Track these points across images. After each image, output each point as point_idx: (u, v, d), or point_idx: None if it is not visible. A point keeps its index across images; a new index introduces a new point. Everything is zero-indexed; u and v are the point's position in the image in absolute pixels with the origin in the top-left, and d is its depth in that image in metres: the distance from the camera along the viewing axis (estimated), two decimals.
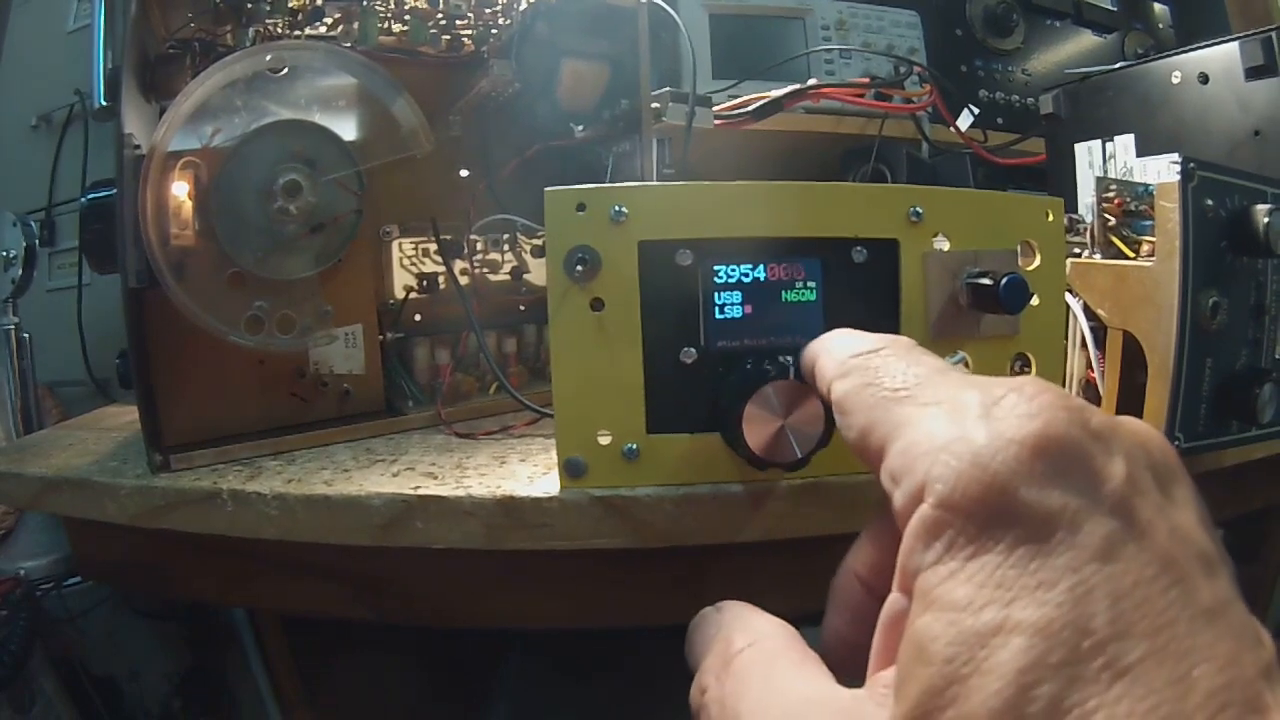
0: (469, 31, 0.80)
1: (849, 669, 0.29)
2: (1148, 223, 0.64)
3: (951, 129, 1.15)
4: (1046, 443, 0.23)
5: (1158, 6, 1.59)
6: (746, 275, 0.51)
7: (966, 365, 0.56)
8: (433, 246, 0.80)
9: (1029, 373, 0.58)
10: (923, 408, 0.27)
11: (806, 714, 0.27)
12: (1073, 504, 0.23)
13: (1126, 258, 0.64)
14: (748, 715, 0.29)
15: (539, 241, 0.85)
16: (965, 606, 0.22)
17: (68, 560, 1.06)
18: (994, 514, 0.23)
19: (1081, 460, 0.24)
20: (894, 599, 0.27)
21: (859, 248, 0.53)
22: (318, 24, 0.74)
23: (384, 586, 0.67)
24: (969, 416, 0.25)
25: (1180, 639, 0.21)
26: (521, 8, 0.79)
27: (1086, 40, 1.48)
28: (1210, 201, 0.57)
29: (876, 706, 0.26)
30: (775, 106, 0.96)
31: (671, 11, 0.78)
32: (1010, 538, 0.22)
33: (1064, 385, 0.66)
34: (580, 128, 0.82)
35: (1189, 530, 0.24)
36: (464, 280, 0.80)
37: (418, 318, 0.80)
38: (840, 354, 0.33)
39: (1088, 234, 0.67)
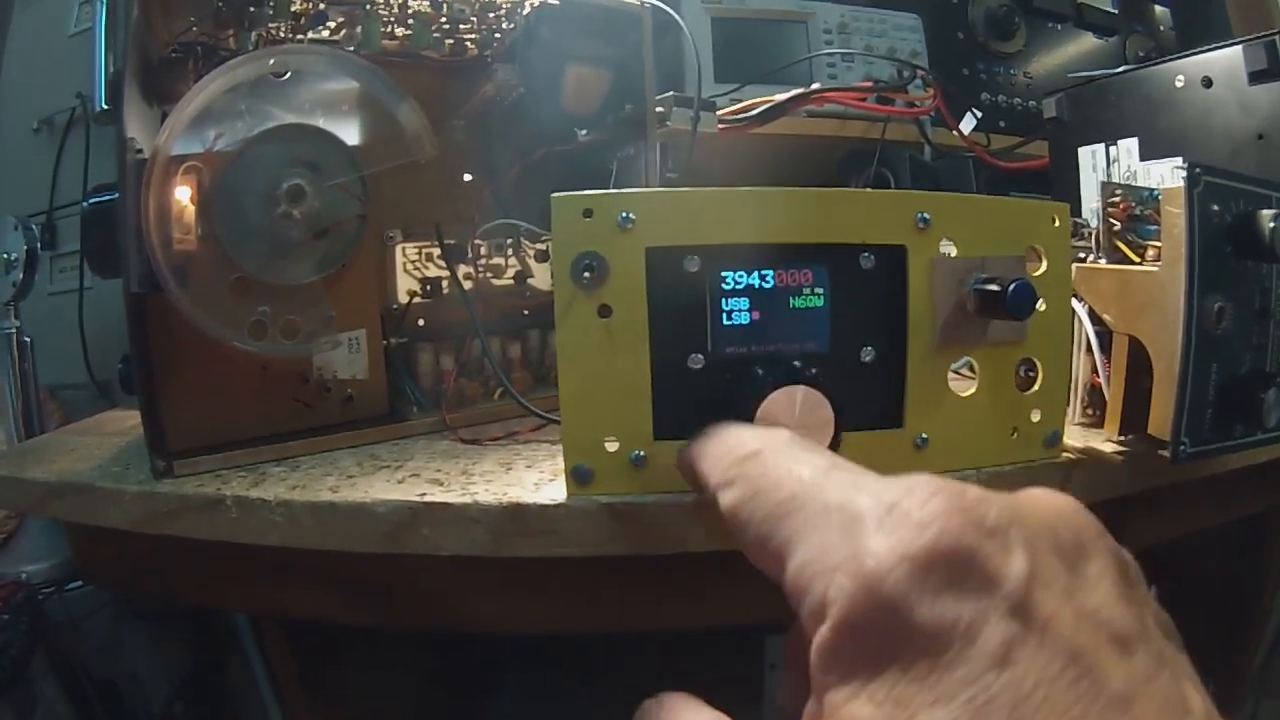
0: (472, 36, 0.80)
1: None
2: (1153, 227, 0.64)
3: (954, 132, 1.15)
4: (938, 554, 0.23)
5: (1159, 9, 1.59)
6: (754, 281, 0.51)
7: (972, 370, 0.57)
8: (436, 251, 0.80)
9: (1035, 377, 0.58)
10: (813, 520, 0.26)
11: None
12: (967, 612, 0.23)
13: (1132, 262, 0.64)
14: None
15: (543, 246, 0.84)
16: None
17: (69, 564, 1.06)
18: (889, 633, 0.23)
19: (975, 566, 0.23)
20: (810, 708, 0.27)
21: (866, 254, 0.53)
22: (320, 28, 0.74)
23: (388, 592, 0.67)
24: (861, 530, 0.25)
25: None
26: (525, 12, 0.78)
27: (1088, 43, 1.49)
28: (1216, 206, 0.57)
29: None
30: (779, 110, 0.96)
31: (675, 15, 0.78)
32: (907, 655, 0.23)
33: (1070, 390, 0.66)
34: (584, 132, 0.82)
35: (1101, 611, 0.24)
36: (468, 285, 0.80)
37: (421, 322, 0.80)
38: (720, 461, 0.32)
39: (1093, 239, 0.67)
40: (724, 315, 0.51)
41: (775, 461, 0.30)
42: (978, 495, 0.25)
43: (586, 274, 0.50)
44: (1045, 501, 0.26)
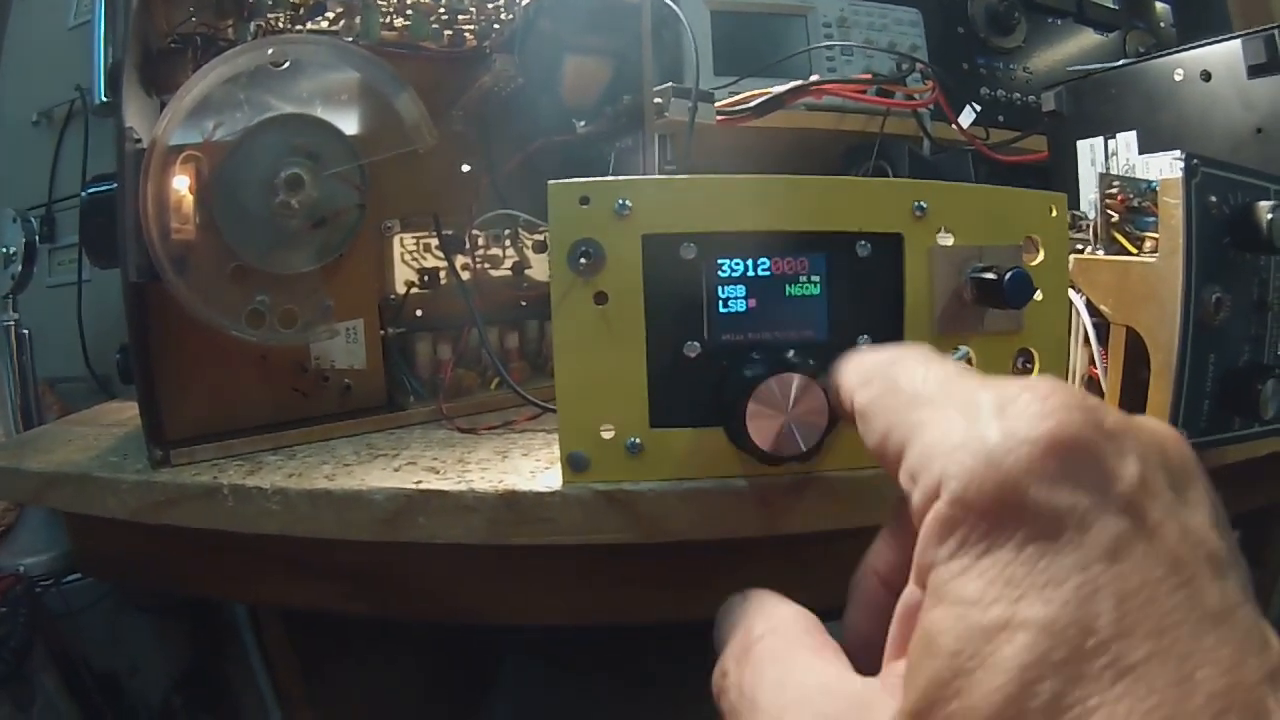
0: (471, 26, 0.80)
1: (868, 661, 0.29)
2: (1150, 219, 0.64)
3: (953, 126, 1.15)
4: (1058, 442, 0.23)
5: (1159, 5, 1.59)
6: (750, 269, 0.51)
7: (970, 361, 0.56)
8: (434, 241, 0.80)
9: (1032, 369, 0.58)
10: (939, 409, 0.27)
11: (820, 700, 0.28)
12: (1083, 503, 0.23)
13: (1129, 254, 0.64)
14: (764, 701, 0.29)
15: (540, 237, 0.85)
16: (975, 602, 0.22)
17: (68, 557, 1.06)
18: (1005, 512, 0.23)
19: (1093, 460, 0.23)
20: (909, 592, 0.27)
21: (863, 242, 0.53)
22: (319, 18, 0.74)
23: (385, 582, 0.67)
24: (984, 416, 0.25)
25: (1185, 641, 0.21)
26: (524, 3, 0.78)
27: (1088, 38, 1.49)
28: (1214, 198, 0.57)
29: (888, 695, 0.26)
30: (777, 103, 0.96)
31: (674, 7, 0.78)
32: (1020, 535, 0.23)
33: (1067, 381, 0.66)
34: (582, 123, 0.82)
35: (1200, 531, 0.24)
36: (465, 275, 0.80)
37: (419, 313, 0.80)
38: (860, 365, 0.33)
39: (1090, 230, 0.67)
40: (720, 303, 0.51)
41: (912, 365, 0.30)
42: (1097, 400, 0.25)
43: (583, 261, 0.50)
44: (1155, 424, 0.27)
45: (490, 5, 0.79)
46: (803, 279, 0.52)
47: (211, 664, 1.19)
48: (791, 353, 0.49)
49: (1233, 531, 0.26)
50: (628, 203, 0.50)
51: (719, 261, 0.51)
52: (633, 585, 0.64)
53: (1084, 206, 0.72)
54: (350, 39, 0.73)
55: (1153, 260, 0.59)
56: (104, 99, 1.22)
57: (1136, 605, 0.21)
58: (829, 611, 0.33)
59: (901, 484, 0.27)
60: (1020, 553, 0.22)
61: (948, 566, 0.23)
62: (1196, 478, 0.26)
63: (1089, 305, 0.64)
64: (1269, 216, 0.56)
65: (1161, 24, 1.58)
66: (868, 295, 0.54)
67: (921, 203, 0.53)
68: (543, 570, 0.63)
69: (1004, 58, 1.39)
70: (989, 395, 0.25)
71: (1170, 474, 0.25)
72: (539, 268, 0.86)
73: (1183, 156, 0.55)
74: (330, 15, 0.74)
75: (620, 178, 0.53)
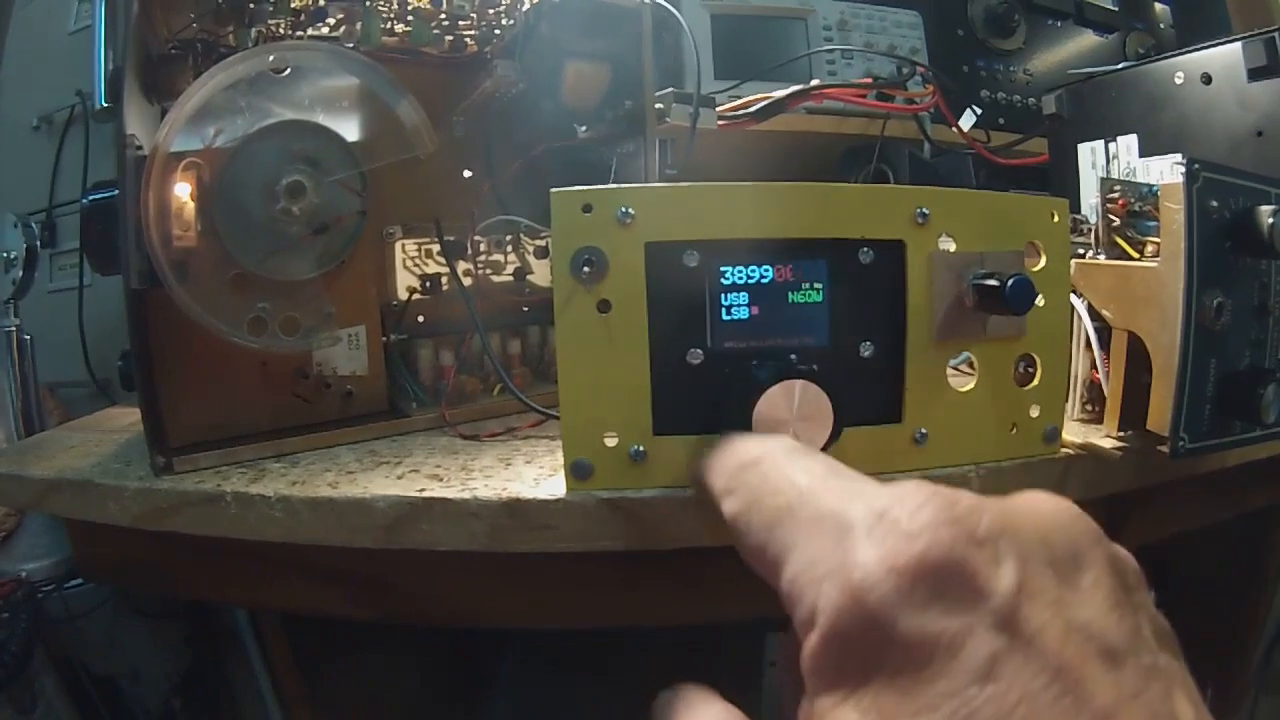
0: (472, 32, 0.80)
1: None
2: (1152, 223, 0.64)
3: (953, 129, 1.15)
4: (926, 566, 0.23)
5: (1159, 6, 1.59)
6: (753, 276, 0.51)
7: (971, 366, 0.57)
8: (436, 247, 0.80)
9: (1034, 374, 0.59)
10: (807, 528, 0.27)
11: None
12: (952, 626, 0.23)
13: (1130, 258, 0.64)
14: None
15: (542, 242, 0.85)
16: None
17: (69, 562, 1.06)
18: (875, 645, 0.23)
19: (963, 578, 0.23)
20: (803, 709, 0.27)
21: (865, 249, 0.53)
22: (320, 24, 0.74)
23: (387, 587, 0.67)
24: (851, 539, 0.25)
25: None
26: (524, 8, 0.78)
27: (1088, 40, 1.49)
28: (1215, 202, 0.57)
29: None
30: (778, 107, 0.96)
31: (675, 12, 0.77)
32: (892, 666, 0.23)
33: (1069, 386, 0.66)
34: (583, 128, 0.82)
35: (1091, 624, 0.24)
36: (467, 281, 0.80)
37: (421, 319, 0.80)
38: (723, 470, 0.33)
39: (1092, 235, 0.67)
40: (723, 310, 0.51)
41: (774, 470, 0.30)
42: (970, 504, 0.25)
43: (586, 269, 0.50)
44: (1041, 507, 0.26)
45: (491, 11, 0.79)
46: (805, 286, 0.52)
47: (212, 668, 1.19)
48: (794, 359, 0.50)
49: (1146, 597, 0.26)
50: (630, 211, 0.50)
51: (722, 269, 0.51)
52: (635, 590, 0.64)
53: (1085, 210, 0.72)
54: (351, 45, 0.73)
55: (1154, 265, 0.59)
56: (105, 104, 1.22)
57: None
58: None
59: (783, 603, 0.27)
60: (892, 683, 0.22)
61: (827, 697, 0.24)
62: (1090, 558, 0.25)
63: (1091, 310, 0.64)
64: (1270, 221, 0.56)
65: (1161, 25, 1.59)
66: (870, 302, 0.54)
67: (923, 209, 0.53)
68: (545, 575, 0.63)
69: (1004, 60, 1.39)
70: (858, 511, 0.25)
71: (1057, 565, 0.25)
72: (541, 273, 0.86)
73: (1184, 161, 0.55)
74: (331, 21, 0.74)
75: (622, 185, 0.53)
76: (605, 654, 1.26)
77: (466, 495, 0.54)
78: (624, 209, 0.50)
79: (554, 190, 0.51)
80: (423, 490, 0.56)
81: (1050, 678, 0.22)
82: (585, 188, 0.51)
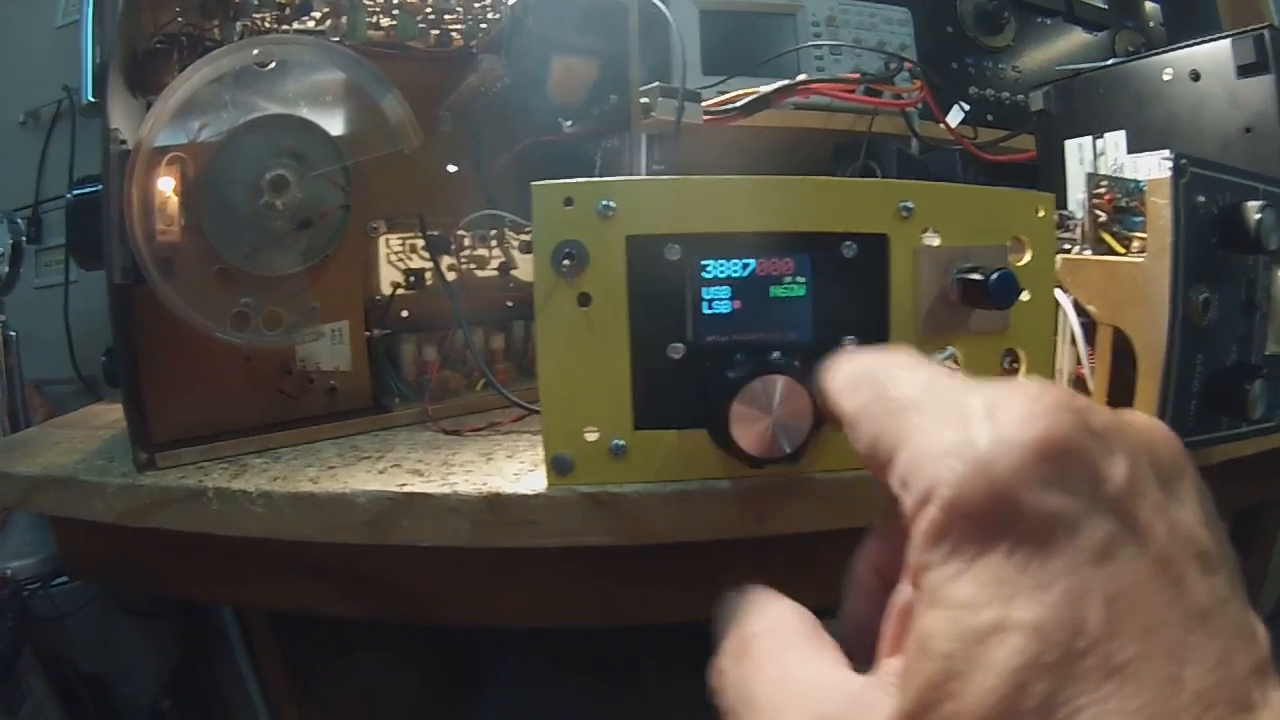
0: (458, 26, 0.80)
1: (864, 652, 0.29)
2: (1138, 219, 0.64)
3: (941, 125, 1.15)
4: (1047, 446, 0.23)
5: (1149, 4, 1.59)
6: (735, 270, 0.51)
7: (956, 361, 0.56)
8: (420, 242, 0.80)
9: (1018, 369, 0.58)
10: (928, 415, 0.27)
11: (818, 698, 0.28)
12: (1072, 506, 0.23)
13: (1117, 254, 0.64)
14: (762, 698, 0.29)
15: (527, 237, 0.84)
16: (967, 605, 0.23)
17: (55, 560, 1.06)
18: (996, 517, 0.23)
19: (1082, 462, 0.24)
20: (903, 589, 0.28)
21: (848, 243, 0.53)
22: (305, 18, 0.74)
23: (372, 584, 0.67)
24: (973, 421, 0.25)
25: (1172, 639, 0.21)
26: (511, 2, 0.78)
27: (1077, 37, 1.49)
28: (1202, 198, 0.57)
29: (884, 694, 0.26)
30: (764, 102, 0.95)
31: (662, 6, 0.77)
32: (1011, 539, 0.23)
33: (1054, 381, 0.66)
34: (569, 123, 0.81)
35: (1189, 528, 0.24)
36: (451, 276, 0.80)
37: (405, 314, 0.80)
38: (846, 371, 0.33)
39: (1078, 230, 0.67)
40: (705, 304, 0.51)
41: (896, 370, 0.30)
42: (1085, 401, 0.25)
43: (566, 262, 0.50)
44: (1144, 420, 0.27)
45: (477, 5, 0.79)
46: (788, 280, 0.52)
47: (199, 666, 1.19)
48: (776, 354, 0.49)
49: (1222, 523, 0.26)
50: (611, 204, 0.50)
51: (703, 263, 0.51)
52: (617, 586, 0.64)
53: (1072, 206, 0.72)
54: (336, 39, 0.72)
55: (1140, 260, 0.59)
56: (91, 99, 1.22)
57: (1125, 606, 0.22)
58: (819, 613, 0.33)
59: (893, 489, 0.27)
60: (1011, 557, 0.23)
61: (941, 570, 0.24)
62: (1186, 474, 0.26)
63: (1076, 305, 0.64)
64: (1257, 216, 0.56)
65: (1151, 23, 1.59)
66: (853, 296, 0.53)
67: (908, 203, 0.53)
68: (530, 571, 0.63)
69: (993, 57, 1.39)
70: (978, 399, 0.26)
71: (1159, 471, 0.25)
72: (525, 268, 0.86)
73: (1171, 156, 0.55)
74: (316, 15, 0.74)
75: (604, 179, 0.53)
76: (598, 651, 1.26)
77: (447, 490, 0.54)
78: (605, 202, 0.50)
79: (535, 184, 0.50)
80: (404, 485, 0.56)
81: (1156, 569, 0.22)
82: (566, 181, 0.50)
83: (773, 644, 0.31)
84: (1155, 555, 0.23)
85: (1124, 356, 0.60)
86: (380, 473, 0.59)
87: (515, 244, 0.86)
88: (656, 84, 0.77)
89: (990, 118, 1.31)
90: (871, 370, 0.31)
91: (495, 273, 0.85)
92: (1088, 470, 0.24)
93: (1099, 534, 0.23)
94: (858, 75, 1.11)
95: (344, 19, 0.74)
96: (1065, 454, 0.24)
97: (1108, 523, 0.23)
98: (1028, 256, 0.57)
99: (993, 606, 0.22)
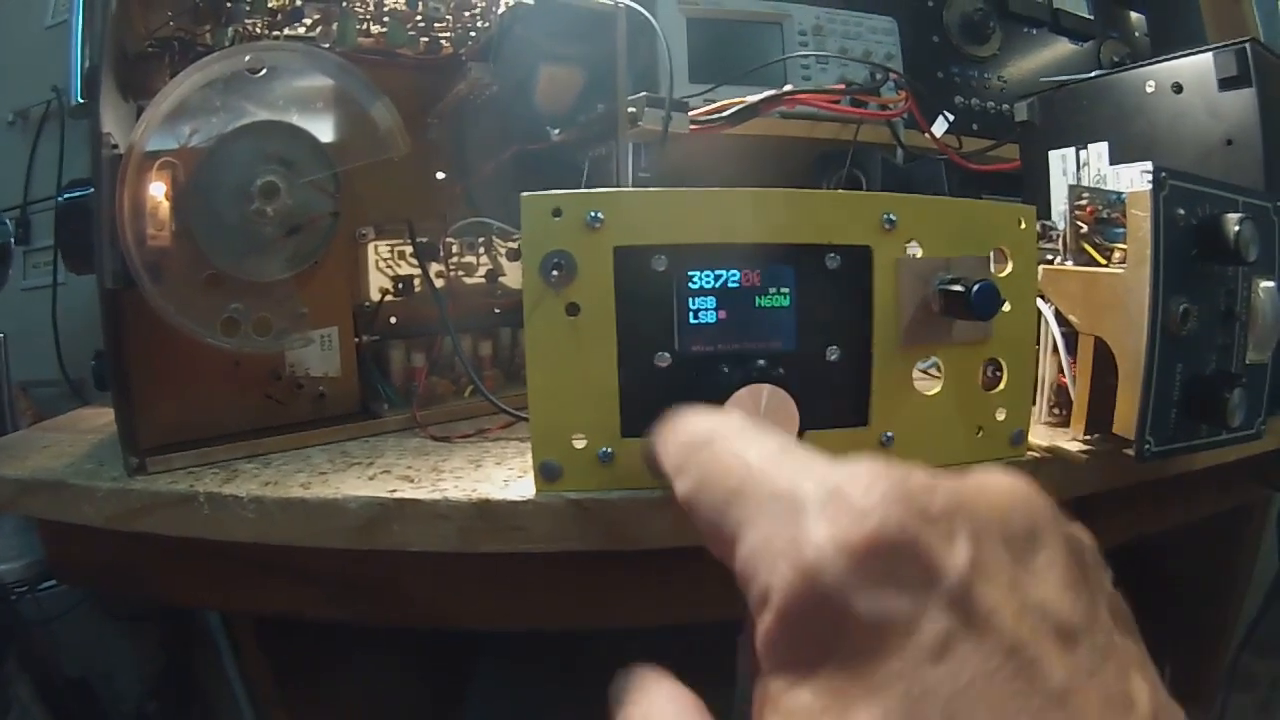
0: (447, 34, 0.80)
1: None
2: (1120, 230, 0.64)
3: (926, 135, 1.15)
4: (878, 544, 0.23)
5: (1134, 15, 1.60)
6: (721, 281, 0.52)
7: (938, 370, 0.57)
8: (409, 249, 0.80)
9: (1001, 377, 0.59)
10: (762, 507, 0.26)
11: None
12: (906, 605, 0.22)
13: (1098, 264, 0.64)
14: None
15: (514, 244, 0.84)
16: (805, 713, 0.23)
17: (42, 564, 1.05)
18: (828, 625, 0.23)
19: (916, 557, 0.23)
20: (757, 692, 0.27)
21: (832, 254, 0.53)
22: (297, 25, 0.74)
23: (359, 588, 0.67)
24: (804, 516, 0.24)
25: None
26: (499, 11, 0.79)
27: (1063, 48, 1.50)
28: (1181, 210, 0.57)
29: None
30: (751, 112, 0.96)
31: (649, 16, 0.78)
32: (846, 646, 0.22)
33: (1036, 390, 0.67)
34: (557, 131, 0.82)
35: (1045, 604, 0.23)
36: (439, 283, 0.80)
37: (393, 320, 0.80)
38: (675, 450, 0.32)
39: (1060, 241, 0.68)
40: (691, 314, 0.52)
41: (726, 448, 0.29)
42: (923, 481, 0.24)
43: (555, 272, 0.50)
44: (996, 485, 0.26)
45: (466, 13, 0.80)
46: (772, 291, 0.52)
47: (186, 670, 1.19)
48: (761, 363, 0.50)
49: (1104, 574, 0.26)
50: (599, 215, 0.50)
51: (689, 273, 0.52)
52: (605, 591, 0.65)
53: (1055, 216, 0.73)
54: (327, 46, 0.73)
55: (1121, 271, 0.60)
56: (80, 100, 1.22)
57: (968, 702, 0.21)
58: None
59: (738, 584, 0.27)
60: (846, 664, 0.22)
61: (780, 680, 0.24)
62: (1045, 539, 0.25)
63: (1058, 315, 0.65)
64: (1236, 228, 0.57)
65: (1136, 34, 1.60)
66: (837, 307, 0.54)
67: (891, 215, 0.54)
68: (518, 575, 0.63)
69: (978, 67, 1.39)
70: (810, 488, 0.25)
71: (1011, 543, 0.24)
72: (513, 275, 0.86)
73: (1151, 169, 0.56)
74: (308, 21, 0.74)
75: (592, 190, 0.53)
76: (580, 658, 1.26)
77: (437, 496, 0.55)
78: (593, 213, 0.50)
79: (524, 194, 0.51)
80: (394, 491, 0.56)
81: (1004, 658, 0.22)
82: (555, 192, 0.51)
83: None
84: (1001, 643, 0.22)
85: (1105, 365, 0.61)
86: (370, 479, 0.59)
87: (503, 251, 0.86)
88: (644, 93, 0.77)
89: (975, 127, 1.32)
90: (698, 448, 0.31)
91: (483, 280, 0.85)
92: (922, 563, 0.23)
93: (935, 629, 0.22)
94: (843, 86, 1.12)
95: (335, 26, 0.74)
96: (895, 550, 0.23)
97: (944, 617, 0.22)
98: (1010, 267, 0.58)
99: (829, 714, 0.22)
